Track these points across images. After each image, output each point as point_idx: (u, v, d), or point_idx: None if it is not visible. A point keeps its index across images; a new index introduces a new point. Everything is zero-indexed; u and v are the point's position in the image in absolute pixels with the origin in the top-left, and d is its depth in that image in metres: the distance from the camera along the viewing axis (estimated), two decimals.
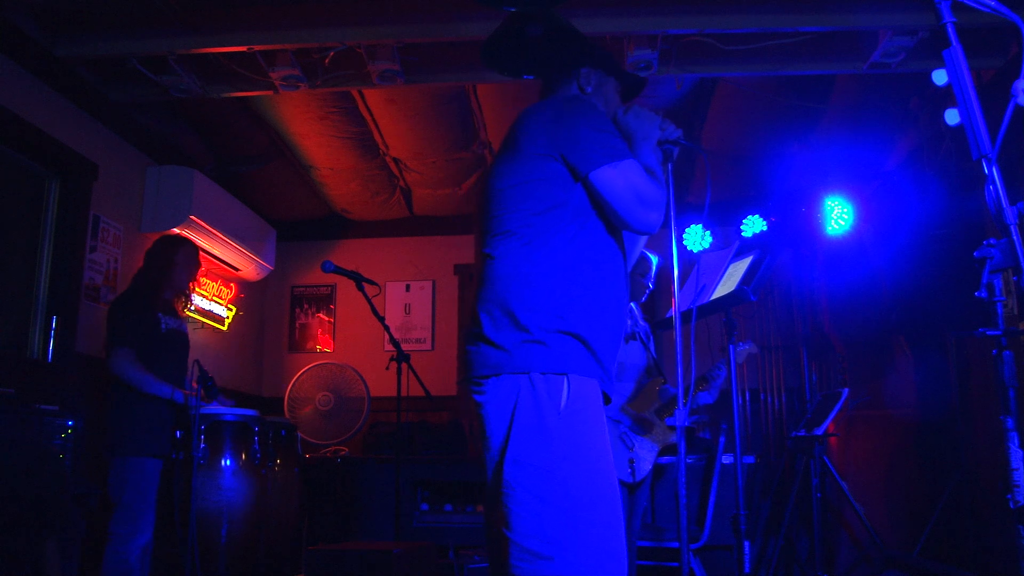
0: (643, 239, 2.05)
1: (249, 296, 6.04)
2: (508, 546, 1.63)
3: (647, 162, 1.89)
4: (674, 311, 2.03)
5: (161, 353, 3.48)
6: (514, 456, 1.65)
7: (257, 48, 3.73)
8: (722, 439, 4.00)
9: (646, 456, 3.37)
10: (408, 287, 6.33)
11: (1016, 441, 1.57)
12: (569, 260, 1.75)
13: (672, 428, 3.38)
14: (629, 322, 3.52)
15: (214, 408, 3.53)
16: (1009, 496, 1.58)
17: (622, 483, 3.34)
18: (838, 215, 4.94)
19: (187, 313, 3.86)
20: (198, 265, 3.81)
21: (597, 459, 1.68)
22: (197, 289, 4.98)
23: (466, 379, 1.76)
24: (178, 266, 3.63)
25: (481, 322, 1.75)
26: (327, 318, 6.36)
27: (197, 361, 3.51)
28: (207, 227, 4.84)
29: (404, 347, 4.21)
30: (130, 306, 3.48)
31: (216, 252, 5.22)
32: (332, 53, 3.78)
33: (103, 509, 3.37)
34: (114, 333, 3.39)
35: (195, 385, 3.38)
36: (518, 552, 1.61)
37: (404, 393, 4.07)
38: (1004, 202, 1.35)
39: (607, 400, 1.83)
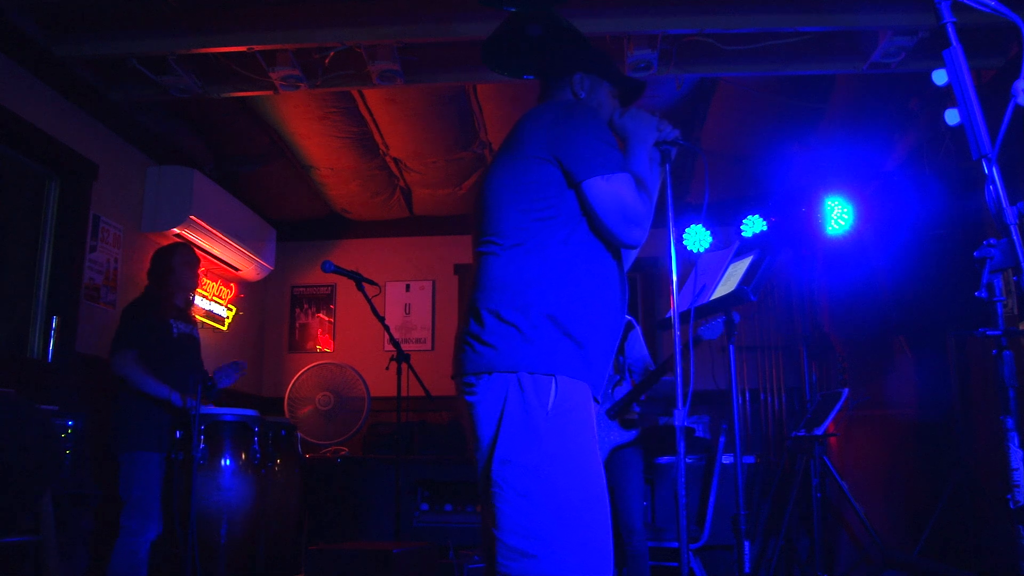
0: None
1: (249, 296, 6.04)
2: (496, 544, 1.65)
3: (639, 169, 1.89)
4: (673, 311, 2.03)
5: (172, 357, 3.55)
6: (502, 456, 1.66)
7: (257, 48, 3.74)
8: (722, 439, 3.99)
9: None
10: (408, 287, 6.33)
11: (1016, 441, 1.57)
12: (562, 262, 1.75)
13: (629, 423, 3.38)
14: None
15: (213, 408, 3.55)
16: (1009, 496, 1.58)
17: None
18: (838, 215, 4.94)
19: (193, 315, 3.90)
20: (197, 262, 3.87)
21: (584, 460, 1.68)
22: (198, 289, 4.99)
23: (458, 375, 1.78)
24: (176, 270, 3.70)
25: (473, 321, 1.76)
26: (327, 318, 6.36)
27: (198, 363, 3.53)
28: (207, 227, 4.84)
29: (404, 347, 4.21)
30: (140, 312, 3.55)
31: (216, 252, 5.22)
32: (332, 53, 3.78)
33: (106, 508, 3.39)
34: (119, 336, 3.48)
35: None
36: (505, 550, 1.63)
37: (404, 393, 4.06)
38: (1004, 202, 1.35)
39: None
